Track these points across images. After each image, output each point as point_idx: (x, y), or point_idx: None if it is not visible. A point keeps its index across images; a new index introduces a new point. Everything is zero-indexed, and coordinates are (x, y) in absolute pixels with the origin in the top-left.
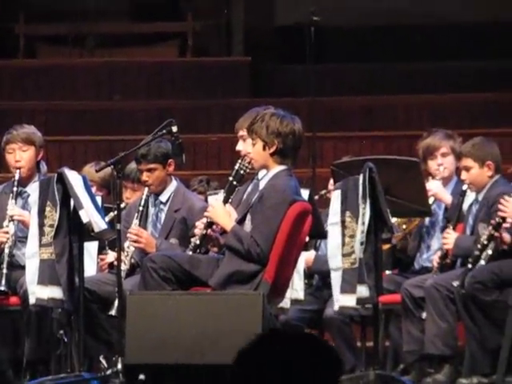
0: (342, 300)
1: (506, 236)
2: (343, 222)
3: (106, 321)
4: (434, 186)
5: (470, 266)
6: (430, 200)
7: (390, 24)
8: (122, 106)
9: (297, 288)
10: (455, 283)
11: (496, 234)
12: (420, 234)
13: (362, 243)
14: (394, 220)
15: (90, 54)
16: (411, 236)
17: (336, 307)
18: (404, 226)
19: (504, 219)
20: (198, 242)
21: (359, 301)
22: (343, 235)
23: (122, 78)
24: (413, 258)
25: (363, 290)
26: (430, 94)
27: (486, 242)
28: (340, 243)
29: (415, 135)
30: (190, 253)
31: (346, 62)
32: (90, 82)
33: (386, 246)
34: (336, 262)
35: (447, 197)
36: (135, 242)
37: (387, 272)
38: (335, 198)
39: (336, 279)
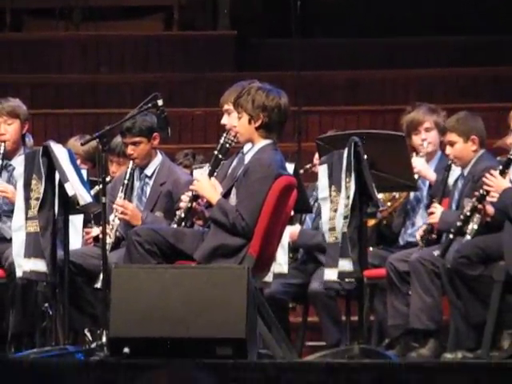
0: (326, 274)
1: (490, 208)
2: (330, 196)
3: (91, 294)
4: (418, 163)
5: (451, 236)
6: (415, 177)
7: None
8: (108, 80)
9: (281, 262)
10: (436, 252)
11: (479, 206)
12: (405, 211)
13: (345, 217)
14: (379, 196)
15: (77, 27)
16: (396, 213)
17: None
18: (389, 204)
19: (488, 192)
20: (183, 215)
21: (341, 275)
22: (329, 209)
23: (109, 51)
24: (397, 235)
25: (346, 264)
26: (416, 69)
27: (468, 214)
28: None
29: (401, 109)
30: (175, 226)
31: (331, 36)
32: (76, 55)
33: (371, 222)
34: (328, 237)
35: (431, 174)
36: (121, 213)
37: (371, 248)
38: (322, 172)
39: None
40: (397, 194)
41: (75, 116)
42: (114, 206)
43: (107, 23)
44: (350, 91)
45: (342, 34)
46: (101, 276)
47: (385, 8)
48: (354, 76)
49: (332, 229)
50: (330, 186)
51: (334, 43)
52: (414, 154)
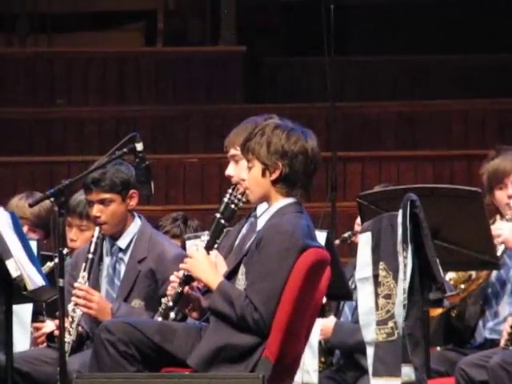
0: None
1: None
2: (376, 276)
3: None
4: (504, 229)
5: None
6: (500, 249)
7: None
8: (67, 115)
9: (309, 369)
10: None
11: None
12: (484, 296)
13: (403, 306)
14: (448, 276)
15: (23, 41)
16: (471, 299)
17: None
18: (462, 286)
19: None
20: (171, 304)
21: None
22: (376, 295)
23: (68, 74)
24: (473, 329)
25: (408, 372)
26: (498, 98)
27: None
28: (374, 307)
29: (477, 155)
30: (161, 319)
31: (376, 52)
32: (22, 80)
33: (435, 312)
34: (371, 334)
35: None
36: (82, 306)
37: (438, 348)
38: (364, 242)
39: (372, 357)
40: (473, 274)
41: (21, 165)
42: (74, 292)
43: (65, 36)
44: (405, 130)
45: (391, 50)
46: None
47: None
48: (409, 108)
49: (381, 322)
50: (375, 263)
51: (380, 62)
52: (498, 216)
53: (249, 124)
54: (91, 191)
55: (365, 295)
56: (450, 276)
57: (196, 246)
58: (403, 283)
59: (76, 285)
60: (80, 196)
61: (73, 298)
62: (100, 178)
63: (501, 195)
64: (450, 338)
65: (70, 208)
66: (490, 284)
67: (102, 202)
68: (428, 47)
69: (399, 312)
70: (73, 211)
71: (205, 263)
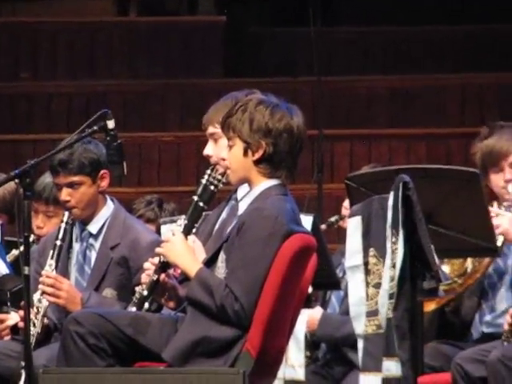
0: (362, 381)
1: None
2: (366, 264)
3: None
4: (504, 220)
5: None
6: (499, 240)
7: None
8: (32, 90)
9: (294, 364)
10: None
11: None
12: (480, 289)
13: (391, 296)
14: (445, 268)
15: None
16: (467, 292)
17: None
18: (459, 281)
19: None
20: (145, 293)
21: (386, 382)
22: (366, 284)
23: (33, 46)
24: (469, 324)
25: (392, 367)
26: (497, 73)
27: None
28: (365, 297)
29: (473, 133)
30: (134, 310)
31: (367, 22)
32: None
33: (429, 306)
34: (361, 326)
35: None
36: (50, 295)
37: (431, 343)
38: (353, 227)
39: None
40: (469, 266)
41: None
42: (41, 280)
43: (30, 4)
44: (396, 106)
45: (383, 20)
46: None
47: None
48: (402, 83)
49: (372, 313)
50: (365, 249)
51: (370, 33)
52: (495, 203)
53: (229, 100)
54: (58, 174)
55: (355, 284)
56: (444, 269)
57: (172, 230)
58: (391, 270)
59: (43, 272)
60: (46, 179)
61: (40, 286)
62: (67, 159)
63: (496, 179)
64: (444, 334)
65: (35, 193)
66: (486, 276)
67: (71, 185)
68: (423, 18)
69: (383, 302)
70: (39, 197)
71: (182, 248)
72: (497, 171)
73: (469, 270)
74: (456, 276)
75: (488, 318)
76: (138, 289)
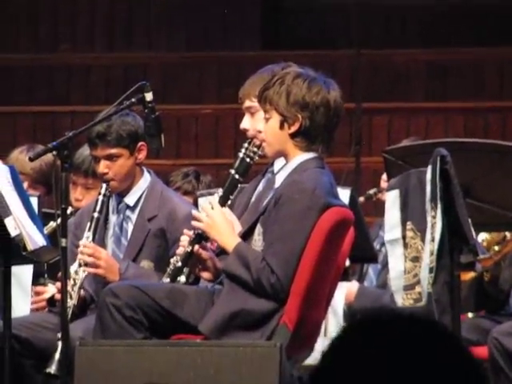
0: None
1: None
2: (404, 237)
3: None
4: None
5: None
6: None
7: None
8: (71, 61)
9: (332, 336)
10: None
11: None
12: None
13: (431, 270)
14: (480, 237)
15: None
16: (505, 261)
17: None
18: (496, 248)
19: None
20: (179, 264)
21: None
22: (404, 258)
23: (71, 17)
24: (507, 294)
25: None
26: None
27: None
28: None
29: (510, 107)
30: (170, 282)
31: None
32: (22, 23)
33: (467, 276)
34: (400, 299)
35: None
36: (89, 265)
37: (469, 315)
38: (392, 201)
39: None
40: (508, 235)
41: (20, 116)
42: (80, 250)
43: None
44: (435, 80)
45: None
46: (56, 356)
47: None
48: (440, 56)
49: (409, 287)
50: (403, 223)
51: (409, 6)
52: None
53: (265, 73)
54: (96, 146)
55: (395, 258)
56: (483, 237)
57: (210, 203)
58: (430, 245)
59: (81, 242)
60: (85, 152)
61: (79, 256)
62: (105, 131)
63: None
64: (483, 304)
65: (74, 165)
66: None
67: (109, 157)
68: None
69: (424, 276)
70: (77, 169)
71: (222, 224)
72: None
73: (507, 238)
74: (495, 244)
75: None
76: (172, 260)
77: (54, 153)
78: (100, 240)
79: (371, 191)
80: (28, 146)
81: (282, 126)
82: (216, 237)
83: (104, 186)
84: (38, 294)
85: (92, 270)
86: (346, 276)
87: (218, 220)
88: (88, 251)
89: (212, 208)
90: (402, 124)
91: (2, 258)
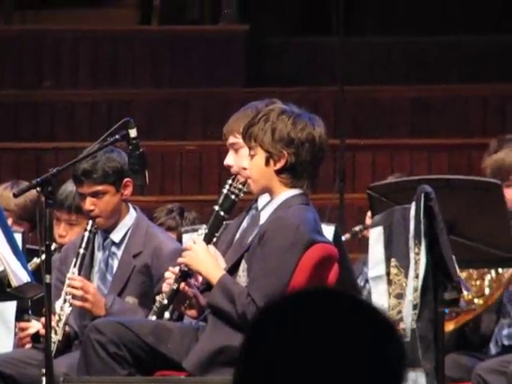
0: None
1: None
2: (388, 274)
3: None
4: None
5: None
6: None
7: None
8: (55, 99)
9: None
10: None
11: None
12: (499, 305)
13: (415, 307)
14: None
15: (8, 17)
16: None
17: None
18: (480, 302)
19: None
20: (165, 302)
21: None
22: (388, 294)
23: (55, 54)
24: (489, 338)
25: (419, 378)
26: None
27: None
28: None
29: None
30: (155, 318)
31: (389, 33)
32: (6, 60)
33: (448, 326)
34: None
35: None
36: (77, 298)
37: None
38: (376, 238)
39: None
40: (486, 283)
41: (4, 152)
42: (67, 282)
43: (54, 13)
44: (419, 116)
45: (406, 30)
46: None
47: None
48: (425, 93)
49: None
50: (387, 260)
51: (393, 43)
52: None
53: (249, 110)
54: (82, 184)
55: (379, 295)
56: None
57: (193, 239)
58: (414, 281)
59: (70, 276)
60: (68, 188)
61: (67, 289)
62: (91, 168)
63: (508, 193)
64: (464, 345)
65: (57, 201)
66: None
67: (95, 194)
68: (443, 28)
69: (407, 312)
70: (61, 205)
71: (205, 255)
72: (508, 185)
73: (487, 292)
74: (475, 297)
75: (506, 331)
76: (158, 297)
77: (38, 189)
78: (86, 276)
79: (357, 228)
80: (12, 182)
81: (267, 163)
82: (199, 268)
83: (90, 222)
84: (22, 329)
85: (79, 303)
86: None
87: (201, 253)
88: (77, 284)
89: (194, 243)
90: (385, 160)
91: None
